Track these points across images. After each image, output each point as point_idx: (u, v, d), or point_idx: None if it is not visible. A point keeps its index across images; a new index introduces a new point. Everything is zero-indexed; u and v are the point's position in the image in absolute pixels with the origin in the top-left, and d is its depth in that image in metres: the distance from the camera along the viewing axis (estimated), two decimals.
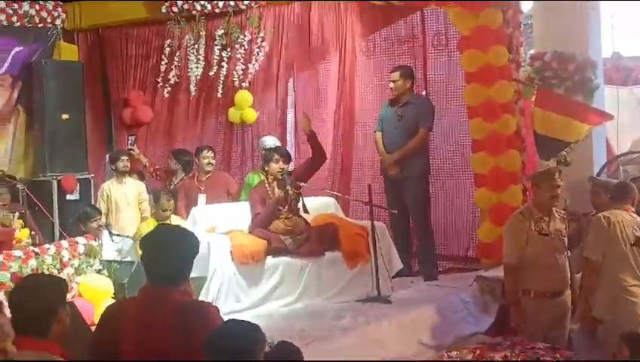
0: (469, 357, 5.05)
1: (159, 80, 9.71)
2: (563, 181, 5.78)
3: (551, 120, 7.25)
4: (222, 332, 3.07)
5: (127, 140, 9.44)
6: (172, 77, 9.64)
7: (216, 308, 3.45)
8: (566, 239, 5.75)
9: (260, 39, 9.18)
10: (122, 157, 8.54)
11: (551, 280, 5.59)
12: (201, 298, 6.00)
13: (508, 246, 5.71)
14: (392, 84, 7.75)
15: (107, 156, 9.65)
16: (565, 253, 5.71)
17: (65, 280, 3.89)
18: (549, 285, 5.59)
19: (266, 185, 7.01)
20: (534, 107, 7.36)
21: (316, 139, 7.19)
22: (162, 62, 9.66)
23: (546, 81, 7.42)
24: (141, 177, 8.92)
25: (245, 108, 9.28)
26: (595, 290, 5.61)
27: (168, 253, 3.36)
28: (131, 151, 9.00)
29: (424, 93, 8.37)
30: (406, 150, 7.63)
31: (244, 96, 9.25)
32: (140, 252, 3.55)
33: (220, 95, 9.43)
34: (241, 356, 3.01)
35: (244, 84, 9.27)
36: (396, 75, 7.73)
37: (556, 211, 5.77)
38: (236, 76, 9.24)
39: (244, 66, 9.23)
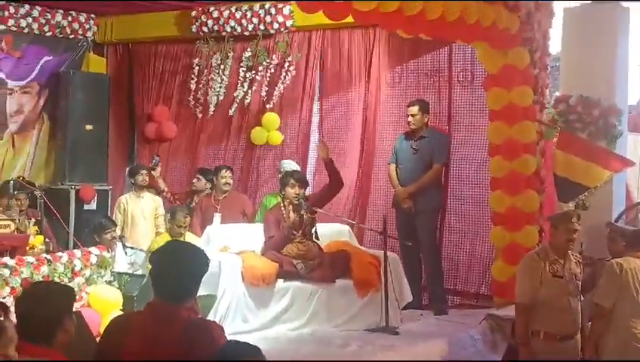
0: None
1: (190, 98, 9.78)
2: (581, 225, 5.75)
3: (572, 163, 7.25)
4: (222, 353, 3.05)
5: (152, 160, 9.42)
6: (200, 95, 9.72)
7: (221, 327, 3.42)
8: (580, 283, 5.71)
9: (287, 63, 9.24)
10: (142, 171, 8.59)
11: (562, 322, 5.53)
12: (210, 316, 5.99)
13: (521, 285, 5.66)
14: (410, 118, 7.75)
15: (127, 169, 9.70)
16: (578, 296, 5.66)
17: (73, 289, 3.88)
18: (560, 328, 5.53)
19: (282, 208, 6.99)
20: (556, 149, 7.35)
21: (333, 166, 7.17)
22: (192, 81, 9.74)
23: (570, 124, 7.38)
24: (157, 192, 8.95)
25: (272, 130, 9.31)
26: (605, 336, 5.54)
27: (177, 269, 3.35)
28: (152, 172, 8.97)
29: (447, 128, 8.35)
30: (420, 184, 7.64)
31: (272, 118, 9.29)
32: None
33: (240, 115, 9.48)
34: None
35: (268, 106, 9.32)
36: (415, 108, 7.74)
37: (572, 254, 5.73)
38: (256, 98, 9.30)
39: (268, 89, 9.29)
